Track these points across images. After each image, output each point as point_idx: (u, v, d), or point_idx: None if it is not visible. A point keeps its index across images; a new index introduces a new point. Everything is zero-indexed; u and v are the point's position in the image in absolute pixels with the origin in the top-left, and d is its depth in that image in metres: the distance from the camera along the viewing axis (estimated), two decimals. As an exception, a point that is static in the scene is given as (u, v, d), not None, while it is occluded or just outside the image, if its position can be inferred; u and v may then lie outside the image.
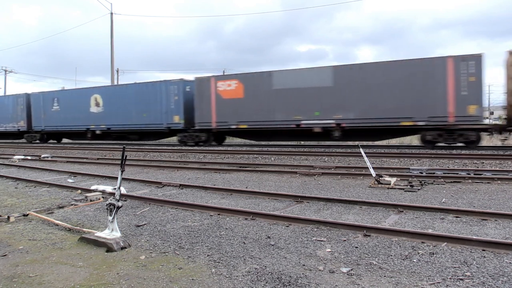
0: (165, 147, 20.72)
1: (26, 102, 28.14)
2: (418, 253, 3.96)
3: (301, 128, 17.78)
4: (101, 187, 8.12)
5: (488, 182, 8.38)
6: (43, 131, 27.66)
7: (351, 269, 3.58)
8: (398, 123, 15.90)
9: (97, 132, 24.43)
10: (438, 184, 8.30)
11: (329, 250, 4.14)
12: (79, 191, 8.08)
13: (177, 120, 20.85)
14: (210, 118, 19.75)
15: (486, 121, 18.27)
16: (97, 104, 24.20)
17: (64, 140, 30.49)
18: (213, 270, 3.63)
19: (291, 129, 18.08)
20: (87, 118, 24.52)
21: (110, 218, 4.49)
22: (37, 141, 28.10)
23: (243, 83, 18.91)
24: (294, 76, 17.84)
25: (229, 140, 24.29)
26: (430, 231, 4.72)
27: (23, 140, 30.10)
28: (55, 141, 29.44)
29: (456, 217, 5.43)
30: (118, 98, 23.28)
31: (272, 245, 4.35)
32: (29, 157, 16.97)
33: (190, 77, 22.38)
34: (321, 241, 4.45)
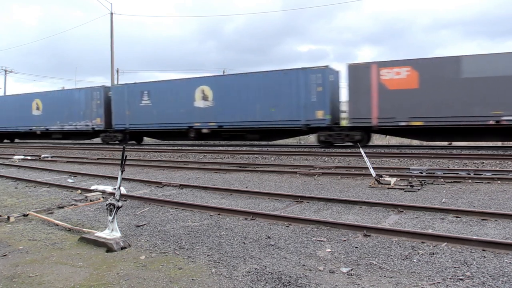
0: (165, 147, 20.67)
1: (104, 96, 24.07)
2: (418, 253, 3.96)
3: (502, 126, 14.67)
4: (101, 187, 8.12)
5: (488, 182, 8.38)
6: (127, 130, 23.42)
7: (351, 269, 3.58)
8: None
9: (204, 131, 20.57)
10: (438, 184, 8.30)
11: (329, 250, 4.14)
12: (79, 191, 8.08)
13: (321, 115, 17.29)
14: (369, 113, 16.37)
15: None
16: (205, 98, 20.34)
17: (147, 140, 26.74)
18: (213, 270, 3.63)
19: (487, 126, 14.91)
20: (190, 115, 20.69)
21: (110, 218, 4.49)
22: (117, 143, 23.95)
23: (417, 71, 15.61)
24: (493, 62, 14.63)
25: (379, 140, 20.71)
26: (430, 231, 4.72)
27: (97, 140, 26.29)
28: (134, 142, 25.45)
29: (456, 217, 5.43)
30: (234, 90, 19.47)
31: (272, 245, 4.35)
32: (29, 157, 16.98)
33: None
34: (321, 241, 4.45)
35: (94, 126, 24.42)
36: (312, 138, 21.19)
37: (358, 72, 16.63)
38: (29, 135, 28.95)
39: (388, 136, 21.18)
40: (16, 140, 32.42)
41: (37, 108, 27.35)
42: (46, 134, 27.66)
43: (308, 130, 18.37)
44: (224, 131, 20.46)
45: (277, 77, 18.45)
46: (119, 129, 23.64)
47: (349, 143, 17.43)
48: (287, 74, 18.16)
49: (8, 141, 32.09)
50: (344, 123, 18.58)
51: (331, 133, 17.52)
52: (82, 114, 24.88)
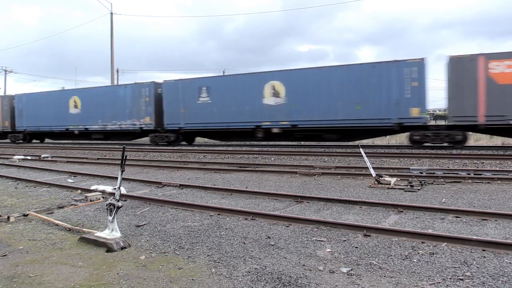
0: (165, 147, 20.64)
1: (154, 93, 21.91)
2: (418, 253, 3.96)
3: None
4: (101, 187, 8.12)
5: (488, 182, 8.38)
6: (181, 129, 21.26)
7: (351, 269, 3.58)
8: None
9: (274, 130, 18.69)
10: (438, 184, 8.30)
11: (329, 250, 4.14)
12: (79, 191, 8.08)
13: (416, 113, 15.71)
14: (474, 110, 14.84)
15: None
16: (276, 94, 18.48)
17: (199, 140, 24.69)
18: (213, 270, 3.63)
19: None
20: (257, 113, 18.83)
21: (110, 218, 4.49)
22: (164, 144, 21.89)
23: None
24: None
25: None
26: (430, 231, 4.72)
27: (141, 141, 24.47)
28: (185, 143, 23.21)
29: (456, 217, 5.43)
30: (311, 85, 17.68)
31: (272, 245, 4.35)
32: (29, 157, 16.98)
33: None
34: (321, 241, 4.45)
35: (143, 126, 22.31)
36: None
37: (462, 65, 15.07)
38: (65, 135, 26.97)
39: (388, 136, 20.94)
40: (48, 141, 30.39)
41: (75, 106, 25.17)
42: (85, 134, 25.60)
43: (400, 129, 16.80)
44: (298, 131, 18.61)
45: (364, 71, 16.68)
46: (172, 129, 21.52)
47: (446, 144, 15.96)
48: (376, 67, 16.41)
49: (38, 141, 30.02)
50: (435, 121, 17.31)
51: (427, 132, 15.94)
52: (128, 113, 22.76)
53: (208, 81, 20.59)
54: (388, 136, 20.94)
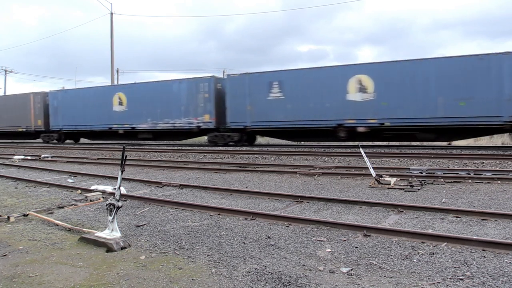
0: (165, 147, 20.64)
1: (214, 88, 19.96)
2: (418, 253, 3.96)
3: None
4: (101, 187, 8.13)
5: (488, 182, 8.38)
6: (247, 128, 19.26)
7: (351, 269, 3.58)
8: None
9: (360, 129, 16.89)
10: (438, 184, 8.31)
11: (329, 250, 4.14)
12: (79, 191, 8.08)
13: None
14: None
15: None
16: (362, 89, 16.73)
17: (260, 141, 22.93)
18: (213, 270, 3.63)
19: None
20: (340, 110, 17.15)
21: (110, 218, 4.49)
22: (223, 144, 20.04)
23: None
24: None
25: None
26: (430, 231, 4.73)
27: (194, 141, 22.84)
28: (247, 143, 20.96)
29: (456, 217, 5.43)
30: (405, 79, 15.97)
31: (272, 245, 4.36)
32: (29, 157, 16.99)
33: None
34: (321, 241, 4.45)
35: (201, 124, 20.37)
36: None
37: None
38: (107, 135, 25.00)
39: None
40: (83, 140, 28.36)
41: (120, 103, 23.18)
42: (131, 134, 23.60)
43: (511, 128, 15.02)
44: (388, 130, 16.94)
45: (469, 63, 14.93)
46: (236, 128, 19.57)
47: None
48: (484, 59, 14.66)
49: (72, 141, 28.16)
50: None
51: None
52: (183, 110, 20.85)
53: (280, 75, 18.65)
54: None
